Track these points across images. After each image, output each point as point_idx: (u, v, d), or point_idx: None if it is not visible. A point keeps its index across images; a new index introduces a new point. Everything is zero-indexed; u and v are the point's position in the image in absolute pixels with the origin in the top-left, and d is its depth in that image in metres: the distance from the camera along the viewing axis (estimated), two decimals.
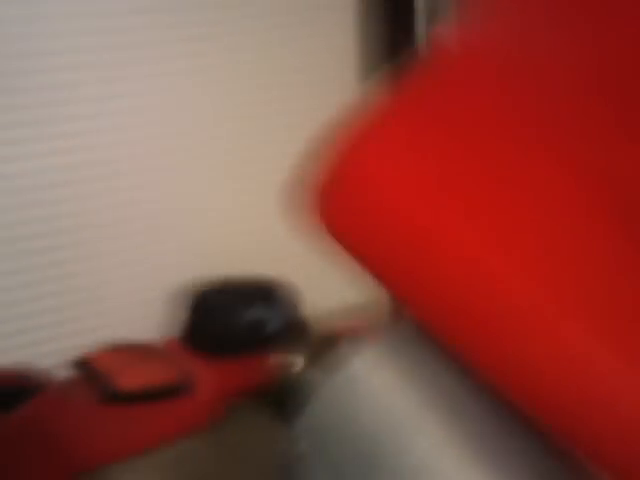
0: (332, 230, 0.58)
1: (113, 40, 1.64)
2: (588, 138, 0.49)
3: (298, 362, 0.63)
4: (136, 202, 1.73)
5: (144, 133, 1.72)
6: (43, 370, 1.56)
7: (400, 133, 0.55)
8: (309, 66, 1.87)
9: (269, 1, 1.79)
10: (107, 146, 1.68)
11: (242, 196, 1.86)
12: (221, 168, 1.82)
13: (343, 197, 0.56)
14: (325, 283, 1.96)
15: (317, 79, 1.88)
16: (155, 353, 1.68)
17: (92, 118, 1.66)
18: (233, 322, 1.71)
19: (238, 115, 1.81)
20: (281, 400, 0.60)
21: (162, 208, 1.76)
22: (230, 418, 1.62)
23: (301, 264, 1.95)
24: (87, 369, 1.60)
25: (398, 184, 0.52)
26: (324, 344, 0.61)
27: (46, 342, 1.67)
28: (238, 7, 1.77)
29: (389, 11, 1.87)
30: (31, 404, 1.48)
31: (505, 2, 0.55)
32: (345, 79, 1.89)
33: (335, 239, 0.58)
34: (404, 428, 0.51)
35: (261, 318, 1.72)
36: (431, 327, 0.52)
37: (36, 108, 1.60)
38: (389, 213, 0.52)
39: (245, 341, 1.70)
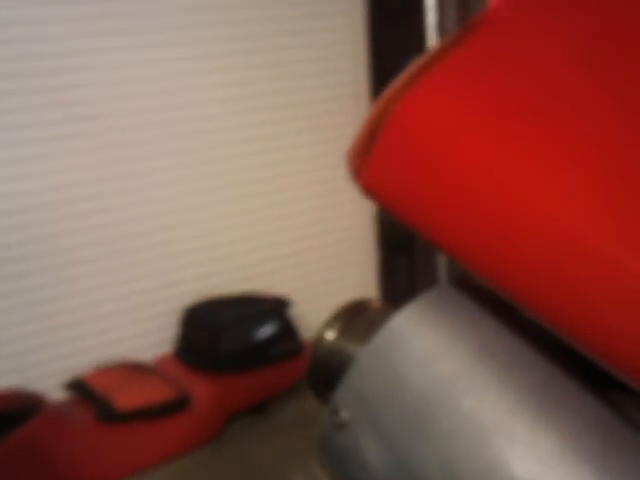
0: (376, 186, 0.54)
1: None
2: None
3: (329, 334, 0.60)
4: (131, 220, 1.73)
5: (143, 151, 1.73)
6: (40, 392, 1.55)
7: (443, 78, 0.52)
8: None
9: None
10: (106, 167, 1.69)
11: (233, 216, 1.88)
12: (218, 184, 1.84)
13: (387, 148, 0.52)
14: (318, 296, 1.98)
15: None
16: (151, 371, 1.68)
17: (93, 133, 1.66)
18: (229, 337, 1.71)
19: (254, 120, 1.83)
20: (318, 374, 0.58)
21: (156, 226, 1.77)
22: (229, 432, 1.62)
23: (291, 278, 1.97)
24: (84, 389, 1.60)
25: (448, 124, 0.50)
26: (352, 313, 0.59)
27: (41, 364, 1.66)
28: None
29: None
30: (30, 425, 1.48)
31: None
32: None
33: (379, 194, 0.55)
34: (452, 387, 0.49)
35: (256, 333, 1.72)
36: (484, 271, 0.50)
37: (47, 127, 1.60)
38: (442, 154, 0.50)
39: (241, 356, 1.70)
